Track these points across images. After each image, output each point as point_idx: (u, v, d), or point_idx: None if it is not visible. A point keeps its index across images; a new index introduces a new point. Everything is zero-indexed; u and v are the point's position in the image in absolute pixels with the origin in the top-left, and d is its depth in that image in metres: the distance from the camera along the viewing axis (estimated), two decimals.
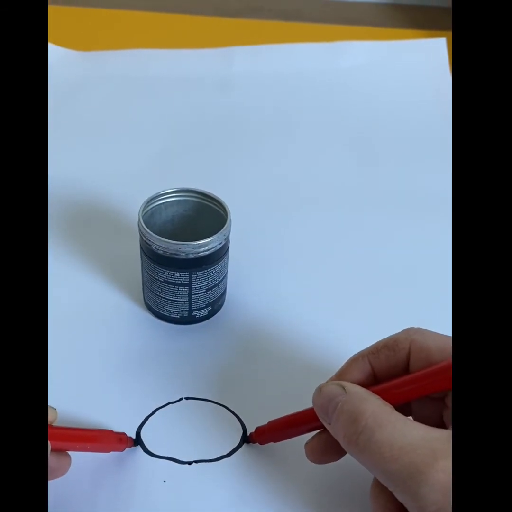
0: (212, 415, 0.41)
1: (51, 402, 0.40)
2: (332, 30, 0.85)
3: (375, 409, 0.31)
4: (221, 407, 0.42)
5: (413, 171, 0.63)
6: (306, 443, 0.36)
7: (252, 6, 0.90)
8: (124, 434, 0.39)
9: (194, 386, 0.43)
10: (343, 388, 0.33)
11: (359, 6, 0.92)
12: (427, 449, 0.29)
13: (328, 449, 0.35)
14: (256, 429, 0.39)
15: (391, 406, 0.32)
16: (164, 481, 0.38)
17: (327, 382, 0.35)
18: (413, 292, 0.51)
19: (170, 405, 0.42)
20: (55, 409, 0.36)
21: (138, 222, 0.44)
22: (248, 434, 0.40)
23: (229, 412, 0.42)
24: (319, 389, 0.34)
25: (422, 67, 0.77)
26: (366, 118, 0.71)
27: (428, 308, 0.48)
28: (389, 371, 0.35)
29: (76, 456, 0.37)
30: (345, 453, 0.34)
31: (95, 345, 0.45)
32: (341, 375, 0.36)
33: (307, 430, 0.37)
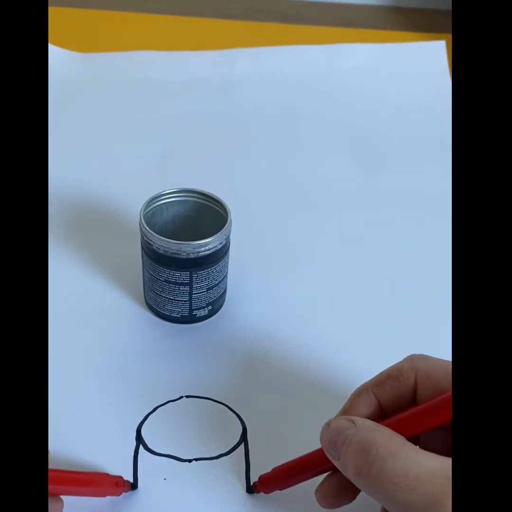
0: (212, 413, 0.42)
1: (52, 401, 0.40)
2: (332, 33, 0.85)
3: (386, 438, 0.30)
4: (221, 405, 0.42)
5: (414, 174, 0.63)
6: (316, 490, 0.35)
7: (253, 8, 0.90)
8: (120, 477, 0.37)
9: (195, 384, 0.43)
10: (353, 421, 0.32)
11: (359, 9, 0.92)
12: (443, 478, 0.28)
13: (340, 492, 0.34)
14: (260, 478, 0.37)
15: (402, 436, 0.31)
16: (165, 479, 0.38)
17: (334, 418, 0.34)
18: (414, 293, 0.51)
19: (171, 403, 0.42)
20: (49, 452, 0.34)
21: (139, 222, 0.45)
22: (251, 484, 0.38)
23: (229, 411, 0.42)
24: (327, 425, 0.33)
25: (422, 69, 0.77)
26: (367, 120, 0.71)
27: (430, 312, 0.49)
28: (396, 402, 0.34)
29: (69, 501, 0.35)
30: (359, 492, 0.33)
31: (96, 344, 0.46)
32: (346, 410, 0.35)
33: (315, 474, 0.35)
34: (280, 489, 0.37)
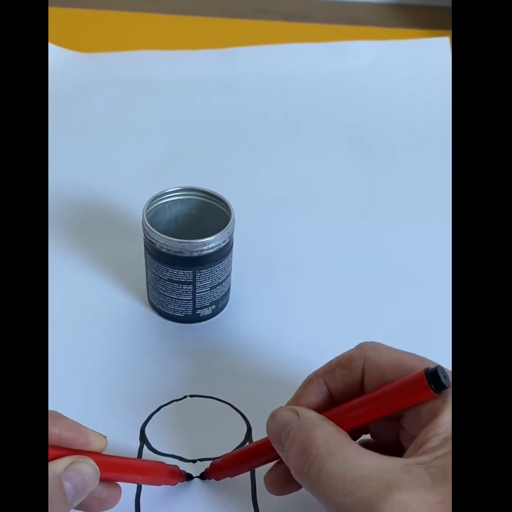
0: (217, 413, 0.41)
1: (57, 400, 0.40)
2: (336, 31, 0.84)
3: (327, 436, 0.30)
4: (226, 404, 0.42)
5: (419, 172, 0.63)
6: (265, 476, 0.35)
7: (256, 7, 0.90)
8: (177, 467, 0.37)
9: (199, 383, 0.43)
10: (297, 413, 0.32)
11: (363, 6, 0.92)
12: (380, 481, 0.27)
13: (288, 480, 0.33)
14: (211, 465, 0.38)
15: (344, 432, 0.31)
16: None
17: (282, 407, 0.34)
18: (419, 293, 0.50)
19: (175, 402, 0.42)
20: (105, 436, 0.34)
21: (142, 221, 0.44)
22: (203, 471, 0.38)
23: (233, 410, 0.42)
24: (273, 415, 0.33)
25: (426, 66, 0.77)
26: (371, 118, 0.71)
27: (433, 310, 0.49)
28: (345, 391, 0.34)
29: None
30: None
31: (99, 344, 0.45)
32: (297, 398, 0.35)
33: (263, 462, 0.35)
34: (230, 476, 0.37)
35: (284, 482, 0.34)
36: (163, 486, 0.37)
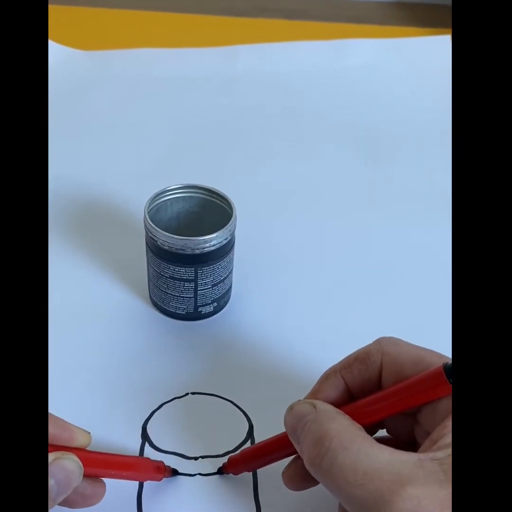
0: (218, 410, 0.41)
1: (58, 398, 0.40)
2: (337, 29, 0.85)
3: (341, 429, 0.30)
4: (227, 402, 0.42)
5: (421, 170, 0.63)
6: (283, 472, 0.35)
7: (257, 5, 0.90)
8: (162, 462, 0.37)
9: (200, 381, 0.43)
10: (314, 406, 0.32)
11: (364, 5, 0.92)
12: (393, 475, 0.27)
13: (306, 475, 0.32)
14: (229, 459, 0.38)
15: (359, 426, 0.31)
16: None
17: (300, 400, 0.34)
18: (419, 292, 0.50)
19: (176, 400, 0.42)
20: (89, 432, 0.34)
21: (144, 218, 0.44)
22: (221, 466, 0.38)
23: (235, 407, 0.42)
24: (290, 408, 0.33)
25: (427, 64, 0.77)
26: (372, 116, 0.71)
27: (434, 307, 0.49)
28: (363, 386, 0.34)
29: None
30: None
31: (101, 342, 0.45)
32: (314, 393, 0.35)
33: (282, 456, 0.35)
34: (248, 471, 0.37)
35: (303, 477, 0.34)
36: (165, 483, 0.37)
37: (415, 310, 0.49)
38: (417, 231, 0.56)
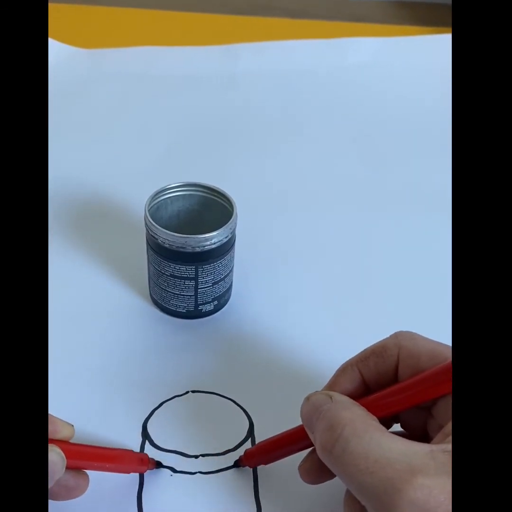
0: (219, 408, 0.41)
1: (58, 396, 0.40)
2: (338, 27, 0.85)
3: (355, 418, 0.30)
4: (228, 400, 0.42)
5: (421, 169, 0.63)
6: (300, 465, 0.35)
7: (257, 4, 0.90)
8: (146, 454, 0.37)
9: (201, 379, 0.43)
10: (330, 397, 0.32)
11: (365, 3, 0.92)
12: (405, 464, 0.27)
13: (323, 468, 0.32)
14: (245, 452, 0.38)
15: (374, 417, 0.31)
16: (171, 475, 0.38)
17: (316, 391, 0.34)
18: (419, 290, 0.50)
19: (176, 398, 0.42)
20: (72, 425, 0.34)
21: (144, 216, 0.44)
22: (237, 459, 0.38)
23: (235, 405, 0.42)
24: (307, 398, 0.33)
25: (427, 63, 0.77)
26: (372, 114, 0.71)
27: (433, 307, 0.48)
28: (379, 379, 0.34)
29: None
30: None
31: (101, 340, 0.45)
32: (330, 386, 0.35)
33: (298, 449, 0.36)
34: (264, 464, 0.37)
35: (319, 470, 0.34)
36: (165, 482, 0.37)
37: (415, 310, 0.49)
38: (417, 231, 0.56)
